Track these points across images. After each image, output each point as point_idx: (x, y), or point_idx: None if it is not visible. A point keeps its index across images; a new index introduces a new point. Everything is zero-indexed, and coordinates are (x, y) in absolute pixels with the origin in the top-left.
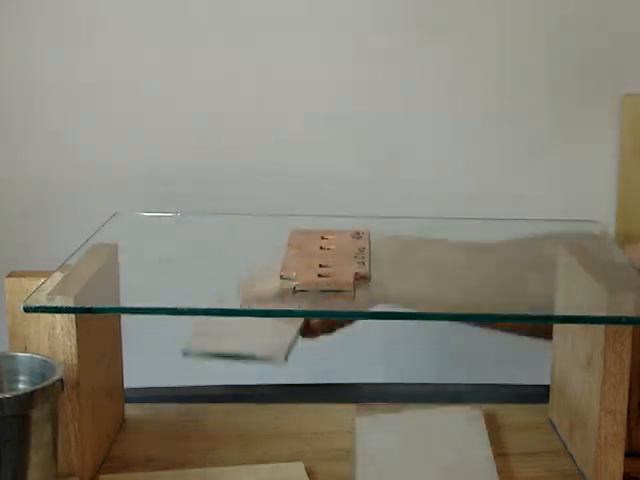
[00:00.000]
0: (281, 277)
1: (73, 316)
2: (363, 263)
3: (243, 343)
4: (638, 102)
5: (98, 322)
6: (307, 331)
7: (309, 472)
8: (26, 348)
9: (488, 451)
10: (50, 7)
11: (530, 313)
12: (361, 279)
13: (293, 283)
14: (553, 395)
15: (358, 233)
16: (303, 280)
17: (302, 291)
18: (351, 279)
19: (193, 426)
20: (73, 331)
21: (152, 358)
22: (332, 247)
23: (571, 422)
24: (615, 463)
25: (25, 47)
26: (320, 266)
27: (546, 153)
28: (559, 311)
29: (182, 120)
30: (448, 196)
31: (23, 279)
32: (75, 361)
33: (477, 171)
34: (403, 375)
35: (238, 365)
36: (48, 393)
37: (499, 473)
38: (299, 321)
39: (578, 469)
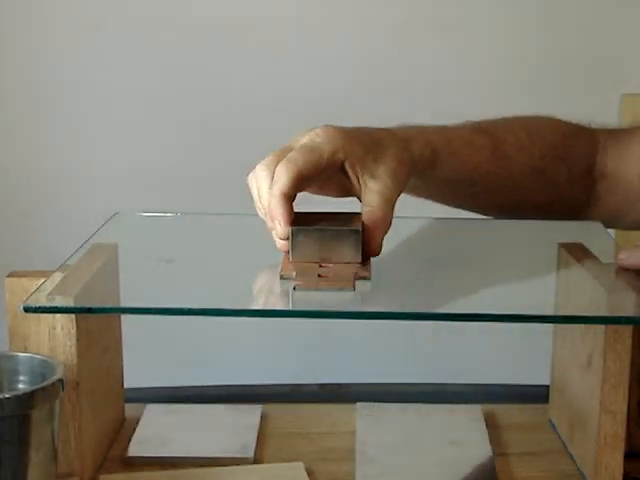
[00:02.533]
0: (281, 277)
1: (73, 316)
2: (364, 263)
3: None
4: (637, 101)
5: (98, 322)
6: None
7: (309, 472)
8: (26, 348)
9: (488, 451)
10: (64, 18)
11: (530, 313)
12: (361, 279)
13: (293, 283)
14: (553, 395)
15: None
16: (303, 280)
17: (303, 290)
18: (351, 279)
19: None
20: (73, 331)
21: (152, 358)
22: None
23: (571, 422)
24: (615, 463)
25: (25, 50)
26: (321, 266)
27: None
28: (559, 311)
29: (182, 120)
30: None
31: (23, 279)
32: (75, 361)
33: None
34: (403, 375)
35: (238, 365)
36: (48, 393)
37: (499, 473)
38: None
39: (578, 469)
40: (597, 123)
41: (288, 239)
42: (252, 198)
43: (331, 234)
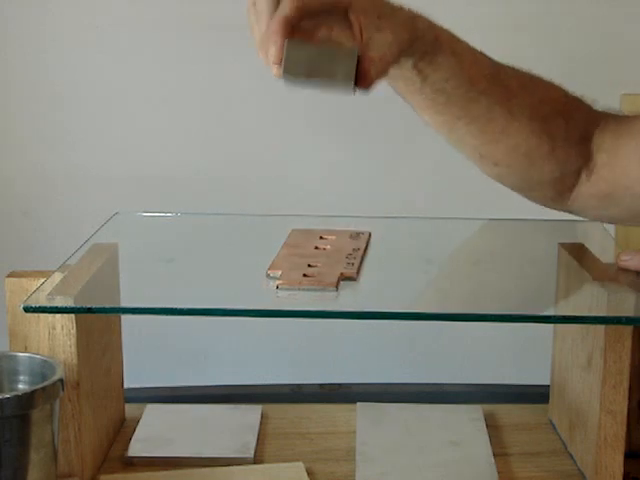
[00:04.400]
0: (267, 275)
1: (73, 316)
2: (352, 264)
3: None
4: (636, 101)
5: (98, 322)
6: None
7: (309, 472)
8: (26, 348)
9: (488, 451)
10: (64, 18)
11: (530, 313)
12: (347, 279)
13: (277, 282)
14: (553, 395)
15: (358, 234)
16: (287, 279)
17: (286, 289)
18: (335, 279)
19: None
20: (73, 331)
21: (152, 358)
22: (327, 247)
23: (571, 422)
24: (615, 463)
25: (25, 50)
26: (309, 266)
27: None
28: (559, 311)
29: (182, 120)
30: (450, 195)
31: (23, 279)
32: (75, 361)
33: (477, 170)
34: (403, 375)
35: (238, 365)
36: (48, 393)
37: (499, 473)
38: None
39: (578, 469)
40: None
41: (281, 60)
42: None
43: (327, 51)
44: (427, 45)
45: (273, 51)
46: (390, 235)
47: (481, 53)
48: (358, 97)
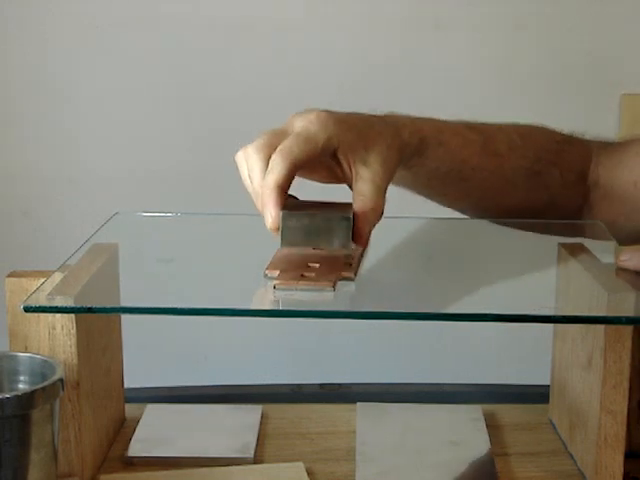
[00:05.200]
0: (265, 275)
1: (73, 316)
2: (350, 264)
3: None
4: (637, 101)
5: (98, 322)
6: None
7: (309, 472)
8: (26, 348)
9: (488, 451)
10: (64, 18)
11: (530, 313)
12: (345, 279)
13: (274, 282)
14: (553, 395)
15: None
16: (284, 279)
17: (283, 290)
18: (332, 280)
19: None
20: (73, 331)
21: (152, 358)
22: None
23: (571, 422)
24: (615, 463)
25: (25, 50)
26: (307, 266)
27: None
28: (559, 311)
29: (182, 120)
30: None
31: (23, 279)
32: (75, 361)
33: None
34: (403, 375)
35: (238, 365)
36: (48, 393)
37: (499, 473)
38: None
39: (578, 469)
40: (593, 133)
41: (278, 228)
42: (240, 176)
43: (321, 220)
44: (414, 149)
45: (270, 221)
46: (389, 235)
47: (468, 128)
48: (354, 99)
